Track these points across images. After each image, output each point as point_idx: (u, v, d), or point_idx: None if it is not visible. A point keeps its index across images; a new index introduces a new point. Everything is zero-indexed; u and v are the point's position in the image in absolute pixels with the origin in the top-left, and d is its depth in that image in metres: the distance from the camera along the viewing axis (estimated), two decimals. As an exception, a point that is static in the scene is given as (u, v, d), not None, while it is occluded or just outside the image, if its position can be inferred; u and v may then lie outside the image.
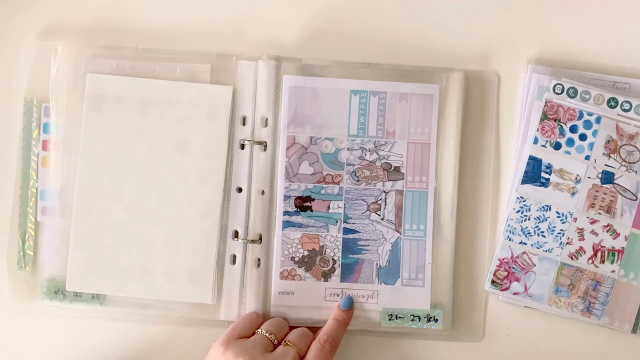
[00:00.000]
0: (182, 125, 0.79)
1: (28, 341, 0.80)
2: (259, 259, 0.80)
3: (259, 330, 0.76)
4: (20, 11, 0.81)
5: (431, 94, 0.81)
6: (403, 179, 0.80)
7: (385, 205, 0.80)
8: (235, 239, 0.80)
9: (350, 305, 0.79)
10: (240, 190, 0.80)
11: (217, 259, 0.79)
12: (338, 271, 0.80)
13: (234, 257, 0.80)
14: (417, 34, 0.82)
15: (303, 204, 0.80)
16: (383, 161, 0.80)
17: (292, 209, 0.80)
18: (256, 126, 0.81)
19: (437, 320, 0.79)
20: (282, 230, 0.80)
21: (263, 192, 0.80)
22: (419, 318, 0.79)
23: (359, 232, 0.80)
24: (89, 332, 0.80)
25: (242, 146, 0.80)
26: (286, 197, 0.80)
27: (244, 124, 0.80)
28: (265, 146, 0.80)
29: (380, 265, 0.80)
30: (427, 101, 0.81)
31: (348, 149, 0.80)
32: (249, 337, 0.75)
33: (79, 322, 0.80)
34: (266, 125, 0.80)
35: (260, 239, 0.80)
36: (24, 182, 0.80)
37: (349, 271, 0.80)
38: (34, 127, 0.80)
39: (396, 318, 0.79)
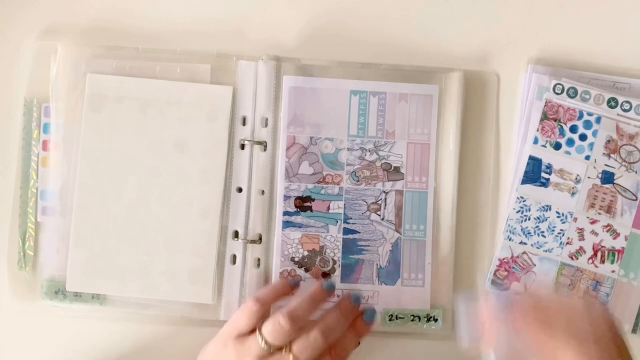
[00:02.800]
0: (182, 125, 0.79)
1: (28, 341, 0.80)
2: (258, 259, 0.80)
3: (257, 333, 0.72)
4: (20, 11, 0.81)
5: (431, 94, 0.81)
6: (403, 179, 0.80)
7: (385, 205, 0.80)
8: (235, 239, 0.80)
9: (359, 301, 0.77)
10: (240, 190, 0.80)
11: (217, 259, 0.79)
12: (338, 271, 0.80)
13: (234, 257, 0.80)
14: (417, 34, 0.82)
15: (303, 204, 0.80)
16: (383, 161, 0.80)
17: (292, 209, 0.80)
18: (256, 126, 0.81)
19: (437, 320, 0.79)
20: (282, 230, 0.80)
21: (263, 192, 0.80)
22: (419, 318, 0.79)
23: (359, 233, 0.80)
24: (89, 332, 0.80)
25: (242, 146, 0.80)
26: (286, 197, 0.80)
27: (244, 124, 0.80)
28: (265, 146, 0.80)
29: (380, 266, 0.80)
30: (426, 101, 0.81)
31: (348, 149, 0.80)
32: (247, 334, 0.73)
33: (79, 322, 0.80)
34: (266, 125, 0.80)
35: (260, 239, 0.80)
36: (24, 182, 0.80)
37: (349, 271, 0.80)
38: (34, 127, 0.80)
39: (396, 318, 0.79)
